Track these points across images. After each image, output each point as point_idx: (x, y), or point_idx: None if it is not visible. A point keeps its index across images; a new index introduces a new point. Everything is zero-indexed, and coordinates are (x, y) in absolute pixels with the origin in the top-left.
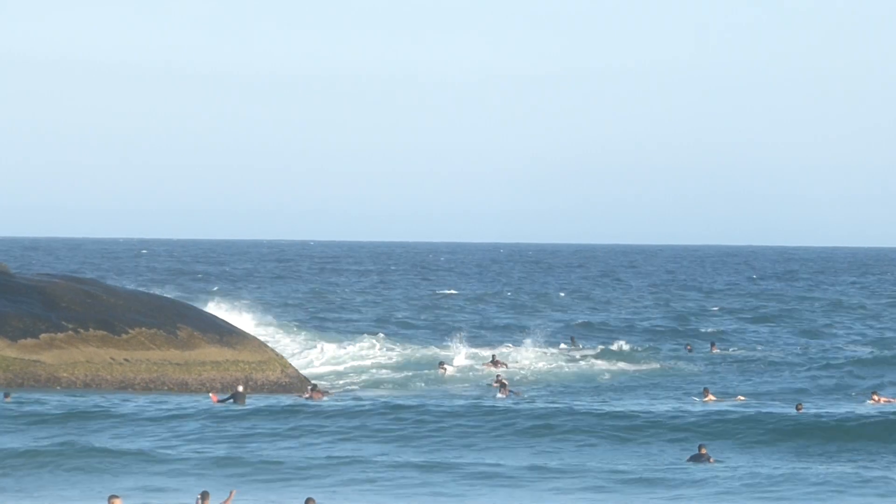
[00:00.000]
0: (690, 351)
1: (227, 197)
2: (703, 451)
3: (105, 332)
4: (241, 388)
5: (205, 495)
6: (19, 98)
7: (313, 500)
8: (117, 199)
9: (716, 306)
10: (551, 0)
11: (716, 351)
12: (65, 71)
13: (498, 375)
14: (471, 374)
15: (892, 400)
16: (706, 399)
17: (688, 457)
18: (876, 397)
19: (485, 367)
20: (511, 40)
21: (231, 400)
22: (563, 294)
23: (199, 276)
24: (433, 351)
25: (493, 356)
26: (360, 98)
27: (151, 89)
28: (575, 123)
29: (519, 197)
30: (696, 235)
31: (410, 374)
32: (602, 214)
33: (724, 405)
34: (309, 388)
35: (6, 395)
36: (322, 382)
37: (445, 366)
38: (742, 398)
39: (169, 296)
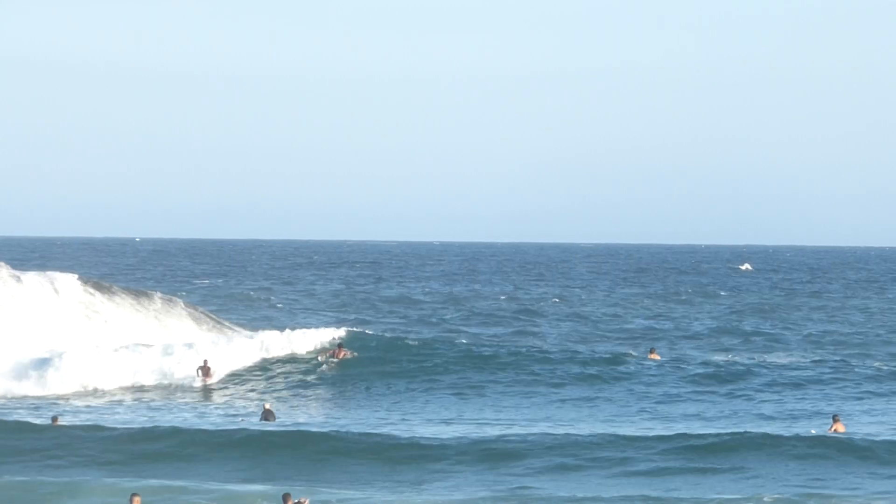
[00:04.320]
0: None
1: (228, 197)
2: None
3: None
4: (268, 406)
5: (286, 497)
6: (18, 98)
7: (303, 500)
8: (117, 198)
9: None
10: (551, 0)
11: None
12: (64, 71)
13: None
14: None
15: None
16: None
17: None
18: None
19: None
20: (511, 40)
21: (262, 418)
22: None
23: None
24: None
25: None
26: (360, 98)
27: (151, 89)
28: (575, 123)
29: (519, 197)
30: (696, 235)
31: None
32: (602, 214)
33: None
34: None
35: (55, 419)
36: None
37: (208, 366)
38: None
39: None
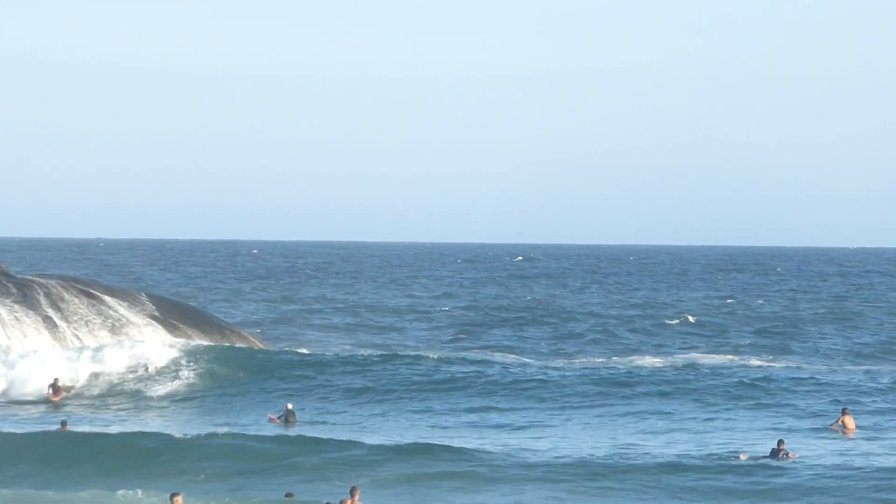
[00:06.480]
0: None
1: (228, 197)
2: (782, 445)
3: None
4: (290, 406)
5: (354, 490)
6: (18, 98)
7: (292, 495)
8: (117, 199)
9: None
10: (551, 0)
11: None
12: (64, 71)
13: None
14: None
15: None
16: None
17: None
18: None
19: None
20: (511, 40)
21: (283, 419)
22: None
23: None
24: None
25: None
26: (360, 98)
27: (151, 89)
28: (575, 123)
29: (519, 197)
30: (696, 235)
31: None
32: (602, 214)
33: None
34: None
35: (63, 425)
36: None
37: (58, 384)
38: None
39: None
